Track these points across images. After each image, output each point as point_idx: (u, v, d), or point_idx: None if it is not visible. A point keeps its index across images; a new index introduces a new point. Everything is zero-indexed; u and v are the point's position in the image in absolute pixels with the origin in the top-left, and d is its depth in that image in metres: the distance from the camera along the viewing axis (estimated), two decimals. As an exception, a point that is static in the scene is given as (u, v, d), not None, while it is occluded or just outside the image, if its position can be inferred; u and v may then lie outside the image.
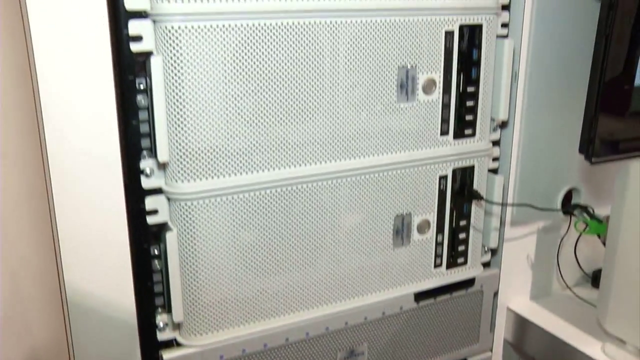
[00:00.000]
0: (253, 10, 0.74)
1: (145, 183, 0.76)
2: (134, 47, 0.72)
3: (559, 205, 1.05)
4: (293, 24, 0.76)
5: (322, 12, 0.77)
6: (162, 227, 0.78)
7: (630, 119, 0.93)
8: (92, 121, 0.71)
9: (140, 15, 0.71)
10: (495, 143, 0.98)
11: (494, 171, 0.99)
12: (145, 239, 0.78)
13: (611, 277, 0.93)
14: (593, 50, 0.88)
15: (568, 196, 1.06)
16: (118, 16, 0.70)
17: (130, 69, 0.73)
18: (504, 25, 0.94)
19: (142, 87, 0.74)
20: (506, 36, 0.94)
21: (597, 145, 0.90)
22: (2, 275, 0.81)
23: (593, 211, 1.03)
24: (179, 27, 0.71)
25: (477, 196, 0.95)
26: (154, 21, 0.71)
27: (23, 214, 0.81)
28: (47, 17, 0.66)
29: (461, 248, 0.98)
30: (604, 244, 0.97)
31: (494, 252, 1.04)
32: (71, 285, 0.73)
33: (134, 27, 0.71)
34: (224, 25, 0.73)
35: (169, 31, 0.71)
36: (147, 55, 0.72)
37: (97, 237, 0.74)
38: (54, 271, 0.79)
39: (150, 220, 0.77)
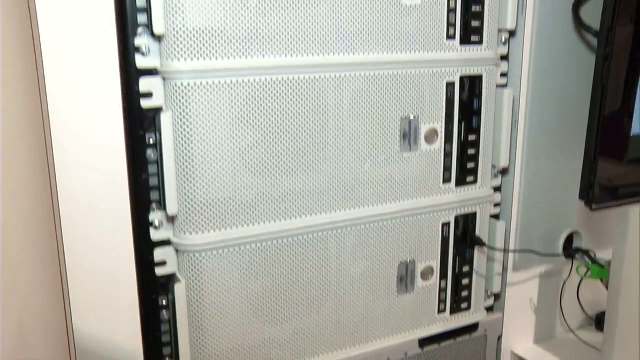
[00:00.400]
0: (259, 67, 0.76)
1: (155, 235, 0.77)
2: (145, 103, 0.74)
3: (560, 249, 1.06)
4: (298, 79, 0.78)
5: (327, 67, 0.80)
6: (171, 278, 0.79)
7: (629, 166, 0.94)
8: (103, 175, 0.72)
9: (151, 72, 0.73)
10: (497, 189, 1.00)
11: (496, 217, 1.00)
12: (154, 290, 0.79)
13: (615, 322, 0.93)
14: (590, 99, 0.90)
15: (570, 238, 1.08)
16: (130, 74, 0.73)
17: (140, 124, 0.75)
18: (503, 75, 0.96)
19: (151, 141, 0.76)
20: (506, 85, 0.96)
21: (597, 191, 0.91)
22: (9, 322, 0.81)
23: (595, 255, 1.04)
24: (188, 84, 0.73)
25: (480, 242, 0.97)
26: (164, 78, 0.73)
27: (33, 263, 0.82)
28: (62, 76, 0.68)
29: (464, 293, 0.99)
30: (607, 287, 0.98)
31: (497, 296, 1.04)
32: (80, 334, 0.74)
33: (145, 84, 0.73)
34: (231, 82, 0.75)
35: (179, 88, 0.73)
36: (157, 110, 0.74)
37: (107, 288, 0.75)
38: (62, 320, 0.80)
39: (159, 271, 0.78)
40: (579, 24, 0.95)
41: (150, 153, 0.76)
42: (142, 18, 0.72)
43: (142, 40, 0.72)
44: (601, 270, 1.01)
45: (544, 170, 1.01)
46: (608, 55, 0.87)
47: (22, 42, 0.73)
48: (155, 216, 0.77)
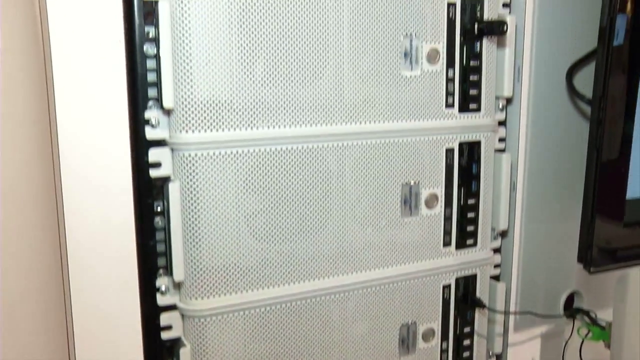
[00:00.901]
0: (264, 137, 0.79)
1: (161, 300, 0.79)
2: (153, 172, 0.76)
3: (561, 309, 1.07)
4: (302, 148, 0.81)
5: (330, 137, 0.83)
6: (176, 343, 0.80)
7: (626, 229, 0.96)
8: (112, 242, 0.75)
9: (160, 143, 0.76)
10: (496, 251, 1.02)
11: (496, 278, 1.02)
12: (160, 354, 0.80)
13: (615, 385, 0.94)
14: (586, 163, 0.92)
15: (570, 298, 1.09)
16: (140, 145, 0.76)
17: (149, 193, 0.77)
18: (502, 139, 0.99)
19: (159, 209, 0.78)
20: (504, 150, 0.99)
21: (595, 254, 0.93)
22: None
23: (595, 316, 1.05)
24: (195, 155, 0.76)
25: (480, 304, 0.98)
26: (172, 149, 0.76)
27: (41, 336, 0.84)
28: (76, 149, 0.71)
29: (466, 354, 1.00)
30: (609, 346, 0.99)
31: (498, 357, 1.05)
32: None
33: (154, 155, 0.76)
34: (237, 152, 0.78)
35: (186, 158, 0.76)
36: (165, 180, 0.77)
37: (112, 353, 0.76)
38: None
39: (165, 335, 0.80)
40: (573, 92, 0.98)
41: (158, 220, 0.78)
42: (152, 92, 0.76)
43: (152, 113, 0.76)
44: (602, 333, 1.02)
45: (543, 232, 1.03)
46: (601, 120, 0.90)
47: (39, 127, 0.76)
48: (162, 282, 0.79)
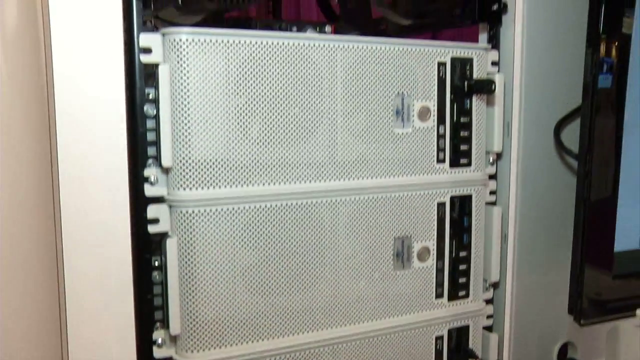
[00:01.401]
0: (259, 194, 0.81)
1: (158, 353, 0.81)
2: (152, 229, 0.79)
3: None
4: (296, 204, 0.84)
5: (323, 193, 0.85)
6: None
7: (615, 281, 0.98)
8: (110, 295, 0.77)
9: (158, 200, 0.79)
10: (489, 302, 1.03)
11: (489, 329, 1.03)
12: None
13: None
14: (574, 216, 0.95)
15: (564, 347, 1.10)
16: (138, 201, 0.78)
17: (147, 248, 0.79)
18: (492, 192, 1.01)
19: (157, 264, 0.80)
20: (494, 203, 1.01)
21: (585, 306, 0.95)
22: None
23: (588, 366, 1.06)
24: (192, 212, 0.78)
25: (473, 355, 0.99)
26: (170, 206, 0.79)
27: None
28: (76, 208, 0.74)
29: (459, 406, 1.01)
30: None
31: (492, 408, 1.06)
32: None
33: (152, 211, 0.79)
34: (232, 209, 0.80)
35: (184, 215, 0.78)
36: (163, 235, 0.79)
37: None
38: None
39: (161, 389, 0.81)
40: (560, 147, 1.01)
41: (156, 275, 0.80)
42: (151, 150, 0.78)
43: (151, 171, 0.78)
44: (594, 383, 1.03)
45: (535, 283, 1.05)
46: (587, 174, 0.92)
47: (41, 188, 0.78)
48: (158, 334, 0.81)
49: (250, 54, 0.79)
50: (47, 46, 0.75)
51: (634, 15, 0.92)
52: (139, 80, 0.77)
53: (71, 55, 0.73)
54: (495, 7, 0.97)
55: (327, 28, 1.02)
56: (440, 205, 0.95)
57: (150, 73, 0.77)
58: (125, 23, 0.75)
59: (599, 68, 0.90)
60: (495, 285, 1.03)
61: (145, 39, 0.76)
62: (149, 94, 0.77)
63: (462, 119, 0.95)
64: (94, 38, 0.73)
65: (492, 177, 1.01)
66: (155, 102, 0.77)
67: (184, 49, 0.76)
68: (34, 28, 0.81)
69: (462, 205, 0.96)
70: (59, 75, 0.72)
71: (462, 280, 0.98)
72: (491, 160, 1.00)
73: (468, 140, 0.95)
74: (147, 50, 0.76)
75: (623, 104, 0.94)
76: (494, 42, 0.99)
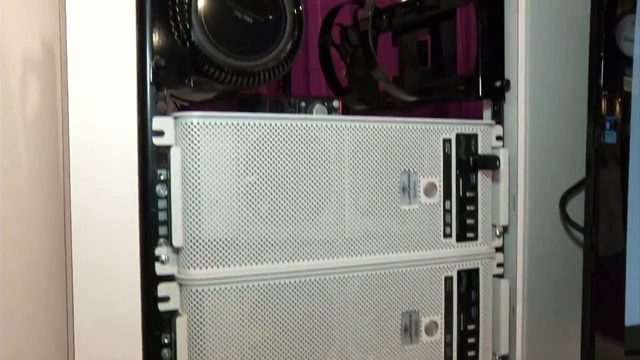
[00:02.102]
0: (268, 272, 0.82)
1: None
2: (162, 306, 0.80)
3: None
4: (304, 281, 0.85)
5: (331, 270, 0.86)
6: None
7: (629, 357, 0.97)
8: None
9: (169, 279, 0.80)
10: (499, 376, 1.03)
11: (499, 403, 1.02)
12: None
13: None
14: (582, 290, 0.95)
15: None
16: (149, 279, 0.79)
17: (157, 325, 0.80)
18: (500, 265, 1.02)
19: (166, 341, 0.81)
20: (502, 276, 1.02)
21: (597, 380, 0.94)
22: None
23: None
24: (202, 290, 0.79)
25: None
26: (180, 284, 0.80)
27: None
28: (88, 285, 0.75)
29: None
30: None
31: None
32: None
33: (163, 289, 0.80)
34: (242, 287, 0.81)
35: (194, 294, 0.79)
36: (173, 313, 0.80)
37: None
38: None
39: None
40: (566, 219, 1.02)
41: (165, 352, 0.81)
42: (162, 230, 0.80)
43: (162, 250, 0.80)
44: None
45: (544, 355, 1.04)
46: (593, 247, 0.93)
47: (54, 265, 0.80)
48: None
49: (260, 135, 0.82)
50: (65, 131, 0.77)
51: (632, 74, 0.94)
52: (152, 162, 0.79)
53: (87, 141, 0.75)
54: (498, 83, 0.99)
55: (335, 103, 1.05)
56: (448, 280, 0.95)
57: (163, 154, 0.79)
58: (139, 106, 0.78)
59: (603, 125, 0.92)
60: (504, 359, 1.03)
61: (158, 123, 0.79)
62: (160, 175, 0.79)
63: (468, 194, 0.96)
64: (109, 121, 0.76)
65: (499, 249, 1.02)
66: (167, 183, 0.79)
67: (195, 132, 0.78)
68: (53, 114, 0.84)
69: (469, 279, 0.97)
70: (75, 158, 0.75)
71: (470, 353, 0.98)
72: (498, 233, 1.01)
73: (474, 214, 0.97)
74: (160, 133, 0.79)
75: (627, 162, 0.94)
76: (498, 117, 1.02)
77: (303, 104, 1.04)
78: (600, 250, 0.94)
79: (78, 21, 0.75)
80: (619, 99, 0.94)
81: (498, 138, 1.00)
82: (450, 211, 0.95)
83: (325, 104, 1.05)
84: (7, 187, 0.74)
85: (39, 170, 0.82)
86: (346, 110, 1.22)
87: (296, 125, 0.84)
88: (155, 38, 0.78)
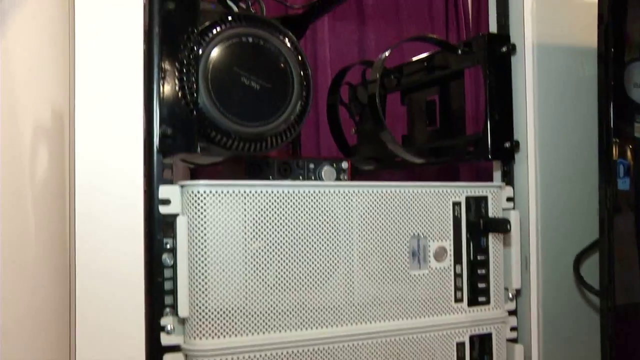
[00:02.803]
0: (275, 342, 0.81)
1: None
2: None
3: None
4: (313, 350, 0.83)
5: (340, 338, 0.85)
6: None
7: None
8: None
9: (174, 349, 0.79)
10: None
11: None
12: None
13: None
14: (601, 354, 0.92)
15: None
16: (155, 350, 0.78)
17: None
18: (513, 329, 0.99)
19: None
20: (516, 340, 0.99)
21: None
22: None
23: None
24: (209, 361, 0.78)
25: None
26: (186, 355, 0.78)
27: None
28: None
29: None
30: None
31: None
32: None
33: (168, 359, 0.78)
34: (250, 357, 0.79)
35: (200, 365, 0.78)
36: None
37: None
38: None
39: None
40: (580, 282, 1.00)
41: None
42: (168, 299, 0.79)
43: (167, 320, 0.78)
44: None
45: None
46: (610, 309, 0.91)
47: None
48: None
49: (266, 203, 0.81)
50: (71, 198, 0.77)
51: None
52: (158, 230, 0.78)
53: (93, 209, 0.75)
54: (507, 144, 0.99)
55: (344, 164, 1.05)
56: (460, 345, 0.93)
57: (169, 223, 0.79)
58: (146, 175, 0.78)
59: (616, 172, 0.90)
60: None
61: (164, 191, 0.78)
62: (167, 244, 0.79)
63: (479, 257, 0.95)
64: (114, 190, 0.76)
65: (512, 313, 1.00)
66: (173, 251, 0.78)
67: (201, 201, 0.78)
68: (61, 179, 0.84)
69: (482, 344, 0.95)
70: (81, 225, 0.74)
71: (485, 422, 0.95)
72: (510, 297, 0.99)
73: (486, 278, 0.95)
74: (166, 202, 0.78)
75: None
76: (508, 178, 1.01)
77: (312, 165, 1.04)
78: (619, 314, 0.91)
79: (86, 90, 0.75)
80: (631, 146, 0.92)
81: (509, 199, 0.99)
82: (461, 275, 0.93)
83: (334, 165, 1.05)
84: (13, 255, 0.74)
85: (46, 237, 0.82)
86: (355, 170, 1.21)
87: (303, 192, 0.83)
88: (162, 106, 0.78)
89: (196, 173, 1.29)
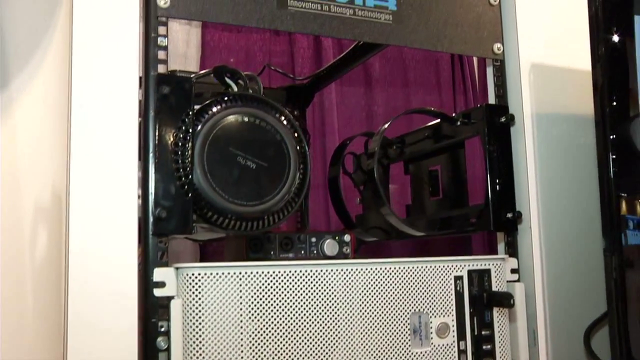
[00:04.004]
0: None
1: None
2: None
3: None
4: None
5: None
6: None
7: None
8: None
9: None
10: None
11: None
12: None
13: None
14: None
15: None
16: None
17: None
18: (523, 405, 0.96)
19: None
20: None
21: None
22: None
23: None
24: None
25: None
26: None
27: None
28: None
29: None
30: None
31: None
32: None
33: None
34: None
35: None
36: None
37: None
38: None
39: None
40: (592, 356, 0.97)
41: None
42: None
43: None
44: None
45: None
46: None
47: None
48: None
49: (263, 283, 0.80)
50: (66, 279, 0.77)
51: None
52: (152, 313, 0.77)
53: (86, 291, 0.75)
54: (509, 215, 0.97)
55: (346, 237, 1.04)
56: None
57: (164, 305, 0.78)
58: (141, 258, 0.78)
59: (626, 226, 0.88)
60: None
61: (159, 274, 0.78)
62: (162, 327, 0.78)
63: (484, 332, 0.92)
64: (109, 271, 0.76)
65: (519, 388, 0.97)
66: (168, 335, 0.77)
67: (196, 283, 0.77)
68: (59, 258, 0.84)
69: None
70: (74, 305, 0.74)
71: None
72: (519, 372, 0.96)
73: (491, 354, 0.92)
74: (161, 284, 0.78)
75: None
76: (512, 249, 0.99)
77: (314, 239, 1.03)
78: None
79: (81, 173, 0.76)
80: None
81: (513, 271, 0.97)
82: (465, 352, 0.91)
83: (337, 238, 1.04)
84: (11, 338, 0.74)
85: (43, 322, 0.82)
86: (361, 241, 1.21)
87: (300, 271, 0.83)
88: (157, 188, 0.78)
89: (204, 248, 1.29)
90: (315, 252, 1.04)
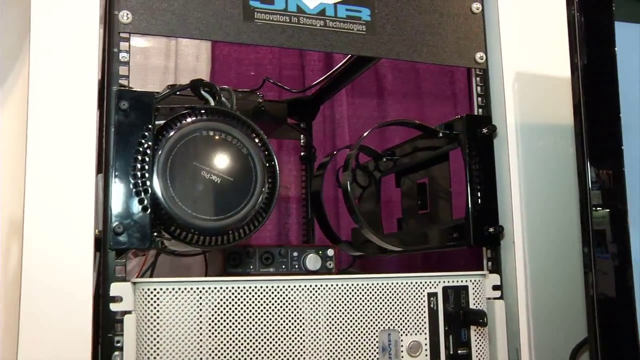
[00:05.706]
0: None
1: None
2: None
3: None
4: None
5: None
6: None
7: None
8: None
9: None
10: None
11: None
12: None
13: None
14: None
15: None
16: None
17: None
18: None
19: None
20: None
21: None
22: None
23: None
24: None
25: None
26: None
27: None
28: None
29: None
30: None
31: None
32: None
33: None
34: None
35: None
36: None
37: None
38: None
39: None
40: (578, 378, 0.92)
41: None
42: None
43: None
44: None
45: None
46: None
47: None
48: None
49: (223, 298, 0.79)
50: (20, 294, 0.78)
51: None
52: (108, 328, 0.77)
53: (39, 307, 0.75)
54: (491, 229, 0.94)
55: (330, 251, 1.03)
56: None
57: (121, 320, 0.78)
58: (97, 271, 0.78)
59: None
60: None
61: (115, 288, 0.78)
62: (118, 342, 0.78)
63: (460, 351, 0.89)
64: (63, 287, 0.76)
65: (507, 412, 0.93)
66: (121, 350, 0.77)
67: (152, 299, 0.77)
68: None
69: None
70: (26, 320, 0.74)
71: None
72: (506, 407, 0.92)
73: None
74: (117, 299, 0.78)
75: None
76: (495, 265, 0.96)
77: (295, 254, 1.02)
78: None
79: (36, 186, 0.77)
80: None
81: (495, 287, 0.94)
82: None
83: (320, 252, 1.03)
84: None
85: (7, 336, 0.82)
86: (354, 257, 1.19)
87: (262, 287, 0.81)
88: (116, 203, 0.78)
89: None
90: (297, 266, 1.03)
